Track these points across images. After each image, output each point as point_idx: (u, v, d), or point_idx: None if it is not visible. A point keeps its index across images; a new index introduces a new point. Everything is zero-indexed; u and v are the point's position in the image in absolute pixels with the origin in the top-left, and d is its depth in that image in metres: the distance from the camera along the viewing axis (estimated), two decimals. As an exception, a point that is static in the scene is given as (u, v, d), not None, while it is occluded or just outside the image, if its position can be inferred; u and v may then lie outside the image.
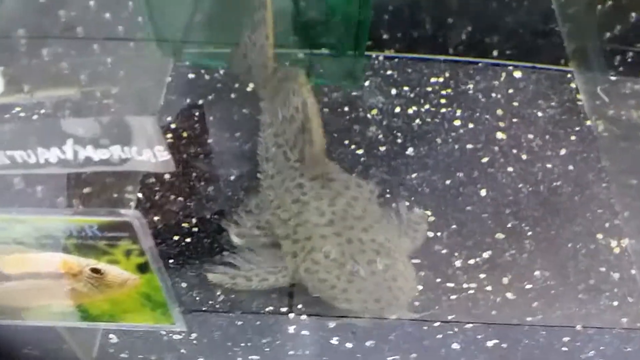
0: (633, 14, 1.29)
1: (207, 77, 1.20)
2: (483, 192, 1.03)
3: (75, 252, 0.61)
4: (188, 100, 1.14)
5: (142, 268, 0.62)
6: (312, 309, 0.88)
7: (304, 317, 0.87)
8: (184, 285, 0.90)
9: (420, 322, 0.86)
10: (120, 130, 0.47)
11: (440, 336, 0.86)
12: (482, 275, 0.92)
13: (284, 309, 0.88)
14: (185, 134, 1.07)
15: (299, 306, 0.89)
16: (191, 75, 1.19)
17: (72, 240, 0.59)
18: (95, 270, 0.63)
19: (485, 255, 0.95)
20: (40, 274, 0.65)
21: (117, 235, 0.57)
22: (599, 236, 0.97)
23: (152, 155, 0.48)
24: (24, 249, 0.62)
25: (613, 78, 1.25)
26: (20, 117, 0.86)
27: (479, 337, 0.85)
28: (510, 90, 1.24)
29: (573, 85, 1.26)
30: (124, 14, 1.13)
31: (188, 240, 0.94)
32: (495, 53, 1.32)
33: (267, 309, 0.88)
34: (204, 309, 0.88)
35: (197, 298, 0.89)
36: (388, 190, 1.01)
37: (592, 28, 1.35)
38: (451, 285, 0.91)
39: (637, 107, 1.22)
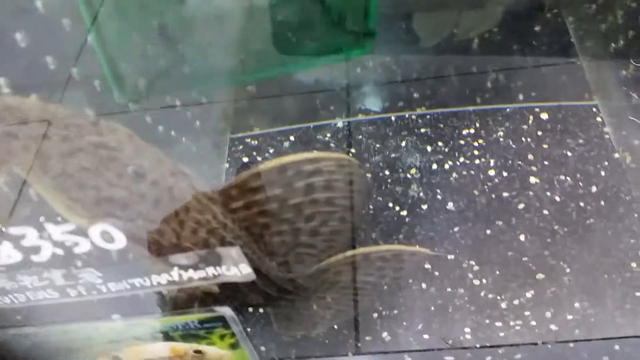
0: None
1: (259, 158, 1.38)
2: (522, 237, 1.15)
3: (181, 340, 0.78)
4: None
5: (234, 346, 0.79)
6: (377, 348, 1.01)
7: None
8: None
9: (481, 349, 0.99)
10: (214, 258, 0.64)
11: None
12: (526, 313, 1.04)
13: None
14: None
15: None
16: (245, 159, 1.38)
17: (178, 332, 0.76)
18: (197, 352, 0.81)
19: (529, 294, 1.07)
20: (153, 359, 0.83)
21: (213, 325, 0.74)
22: (633, 265, 1.08)
23: (237, 271, 0.65)
24: (141, 342, 0.79)
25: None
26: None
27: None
28: (539, 133, 1.36)
29: (599, 118, 1.37)
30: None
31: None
32: (521, 97, 1.44)
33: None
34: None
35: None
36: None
37: (610, 57, 1.47)
38: (499, 324, 1.03)
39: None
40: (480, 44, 1.57)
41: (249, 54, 1.34)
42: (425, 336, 1.05)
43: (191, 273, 0.65)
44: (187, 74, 1.36)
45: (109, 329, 0.75)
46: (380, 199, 1.25)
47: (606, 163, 1.27)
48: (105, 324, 0.73)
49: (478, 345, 1.02)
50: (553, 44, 1.55)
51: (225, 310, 0.70)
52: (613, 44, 1.49)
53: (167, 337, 0.77)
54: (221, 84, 1.38)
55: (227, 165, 1.39)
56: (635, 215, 1.16)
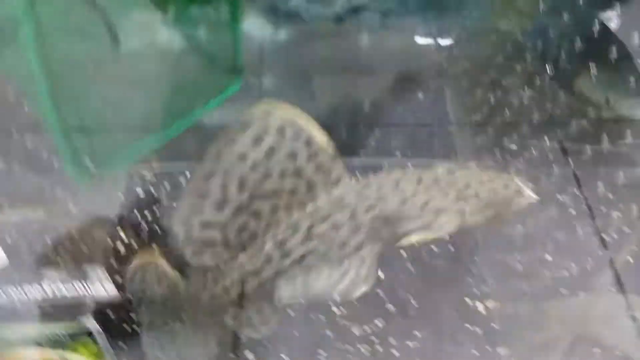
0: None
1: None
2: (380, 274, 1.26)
3: (49, 346, 0.83)
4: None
5: (98, 355, 0.84)
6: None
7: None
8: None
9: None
10: (80, 274, 0.71)
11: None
12: (374, 338, 1.15)
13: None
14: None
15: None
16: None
17: (47, 339, 0.81)
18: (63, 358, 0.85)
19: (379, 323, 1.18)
20: (24, 365, 0.86)
21: (80, 335, 0.79)
22: (467, 300, 1.21)
23: (103, 289, 0.72)
24: (10, 347, 0.83)
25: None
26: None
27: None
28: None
29: (459, 176, 1.52)
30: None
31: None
32: (398, 153, 1.58)
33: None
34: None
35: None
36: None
37: (472, 126, 1.64)
38: (351, 348, 1.13)
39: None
40: (370, 105, 1.71)
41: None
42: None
43: (62, 287, 0.71)
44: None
45: (-21, 333, 0.78)
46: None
47: (458, 214, 1.41)
48: (-25, 328, 0.77)
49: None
50: (431, 110, 1.72)
51: (92, 325, 0.76)
52: (479, 116, 1.66)
53: (37, 343, 0.81)
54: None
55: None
56: (476, 258, 1.30)
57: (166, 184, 1.47)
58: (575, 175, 1.50)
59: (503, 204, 0.92)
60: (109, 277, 0.73)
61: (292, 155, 0.84)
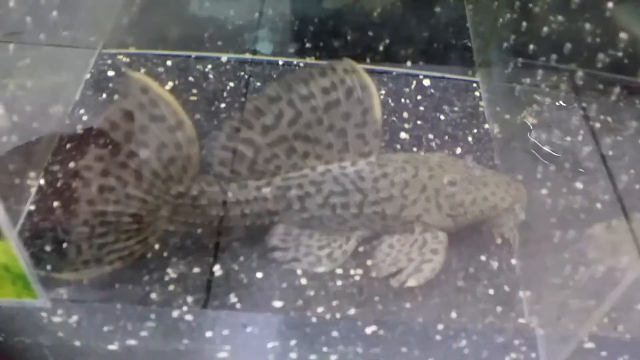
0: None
1: (126, 75, 1.16)
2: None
3: None
4: (104, 96, 1.10)
5: (-4, 235, 0.58)
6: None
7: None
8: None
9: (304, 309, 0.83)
10: None
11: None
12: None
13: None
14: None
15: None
16: (110, 73, 1.16)
17: None
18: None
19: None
20: None
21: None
22: (483, 228, 0.96)
23: None
24: None
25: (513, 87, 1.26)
26: None
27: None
28: (419, 97, 1.23)
29: (477, 93, 1.26)
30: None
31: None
32: (409, 63, 1.31)
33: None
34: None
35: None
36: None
37: (496, 43, 1.36)
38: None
39: (532, 113, 1.22)
40: (381, 13, 1.43)
41: None
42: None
43: None
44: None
45: None
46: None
47: (475, 130, 1.15)
48: None
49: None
50: (449, 25, 1.45)
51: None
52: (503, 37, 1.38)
53: None
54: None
55: (88, 76, 1.16)
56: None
57: (141, 68, 1.21)
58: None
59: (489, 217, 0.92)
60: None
61: (346, 116, 0.85)
